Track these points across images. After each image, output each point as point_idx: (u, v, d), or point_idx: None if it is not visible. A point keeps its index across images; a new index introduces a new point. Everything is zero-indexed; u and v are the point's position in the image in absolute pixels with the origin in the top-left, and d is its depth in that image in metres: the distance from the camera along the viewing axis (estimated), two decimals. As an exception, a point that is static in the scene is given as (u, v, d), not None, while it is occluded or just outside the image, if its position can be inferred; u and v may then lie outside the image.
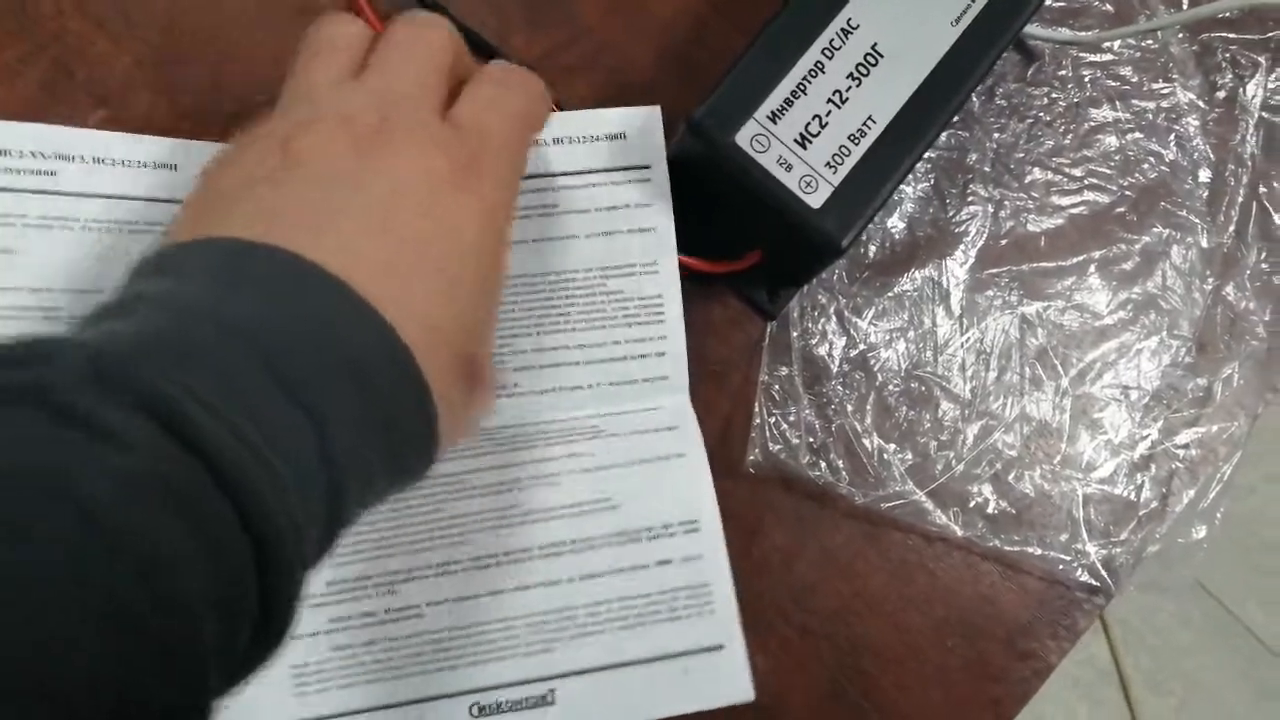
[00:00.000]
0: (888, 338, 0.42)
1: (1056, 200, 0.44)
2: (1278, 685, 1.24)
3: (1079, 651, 1.20)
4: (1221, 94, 0.45)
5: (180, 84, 0.39)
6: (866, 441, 0.41)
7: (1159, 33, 0.45)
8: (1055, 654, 0.41)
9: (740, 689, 0.36)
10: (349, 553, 0.35)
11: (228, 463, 0.21)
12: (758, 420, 0.40)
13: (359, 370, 0.24)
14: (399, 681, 0.34)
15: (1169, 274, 0.44)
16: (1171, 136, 0.45)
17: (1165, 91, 0.45)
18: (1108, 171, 0.44)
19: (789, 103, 0.36)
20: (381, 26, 0.37)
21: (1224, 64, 0.46)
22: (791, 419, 0.40)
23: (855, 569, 0.40)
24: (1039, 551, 0.41)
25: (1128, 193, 0.44)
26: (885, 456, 0.41)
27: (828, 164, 0.36)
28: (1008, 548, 0.41)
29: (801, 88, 0.36)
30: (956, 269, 0.43)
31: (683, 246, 0.39)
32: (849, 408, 0.41)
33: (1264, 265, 0.44)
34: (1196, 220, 0.44)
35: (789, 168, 0.35)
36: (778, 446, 0.40)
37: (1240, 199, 0.45)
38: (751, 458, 0.40)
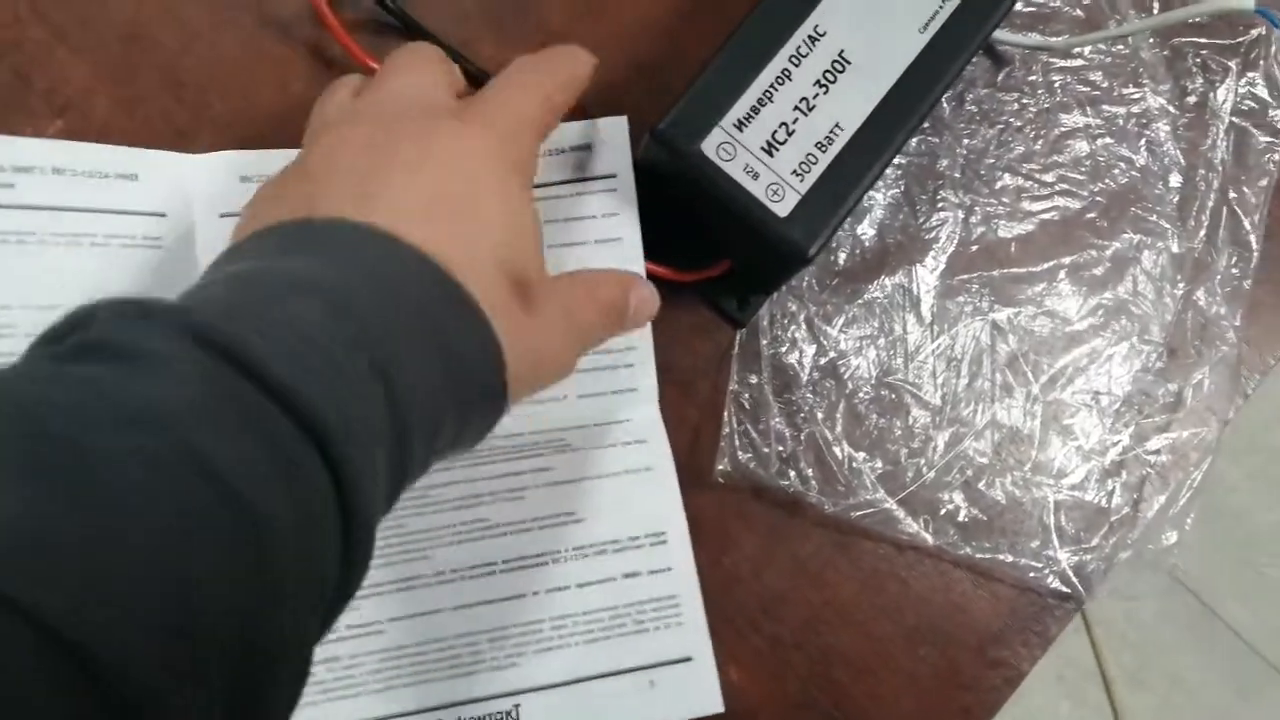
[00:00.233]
0: (858, 345, 0.41)
1: (1027, 206, 0.44)
2: (1259, 682, 1.25)
3: (1062, 650, 1.20)
4: (1192, 99, 0.45)
5: (140, 93, 0.39)
6: (837, 450, 0.40)
7: (1129, 38, 0.45)
8: (1027, 661, 0.41)
9: (709, 700, 0.36)
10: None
11: (299, 395, 0.21)
12: (727, 429, 0.40)
13: (416, 306, 0.25)
14: (359, 699, 0.34)
15: (1140, 279, 0.44)
16: (1142, 142, 0.45)
17: (1136, 97, 0.45)
18: (1078, 177, 0.44)
19: (755, 110, 0.35)
20: (347, 38, 0.37)
21: (1194, 69, 0.46)
22: (761, 428, 0.40)
23: (826, 578, 0.40)
24: (1010, 559, 0.41)
25: (1098, 198, 0.44)
26: (855, 465, 0.40)
27: (794, 172, 0.35)
28: (979, 555, 0.41)
29: (768, 95, 0.36)
30: (927, 275, 0.42)
31: (651, 254, 0.38)
32: (819, 416, 0.41)
33: (1234, 270, 0.44)
34: (1167, 225, 0.44)
35: (755, 176, 0.35)
36: (747, 456, 0.39)
37: (1211, 204, 0.44)
38: (721, 467, 0.39)
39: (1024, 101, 0.44)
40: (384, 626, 0.34)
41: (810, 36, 0.36)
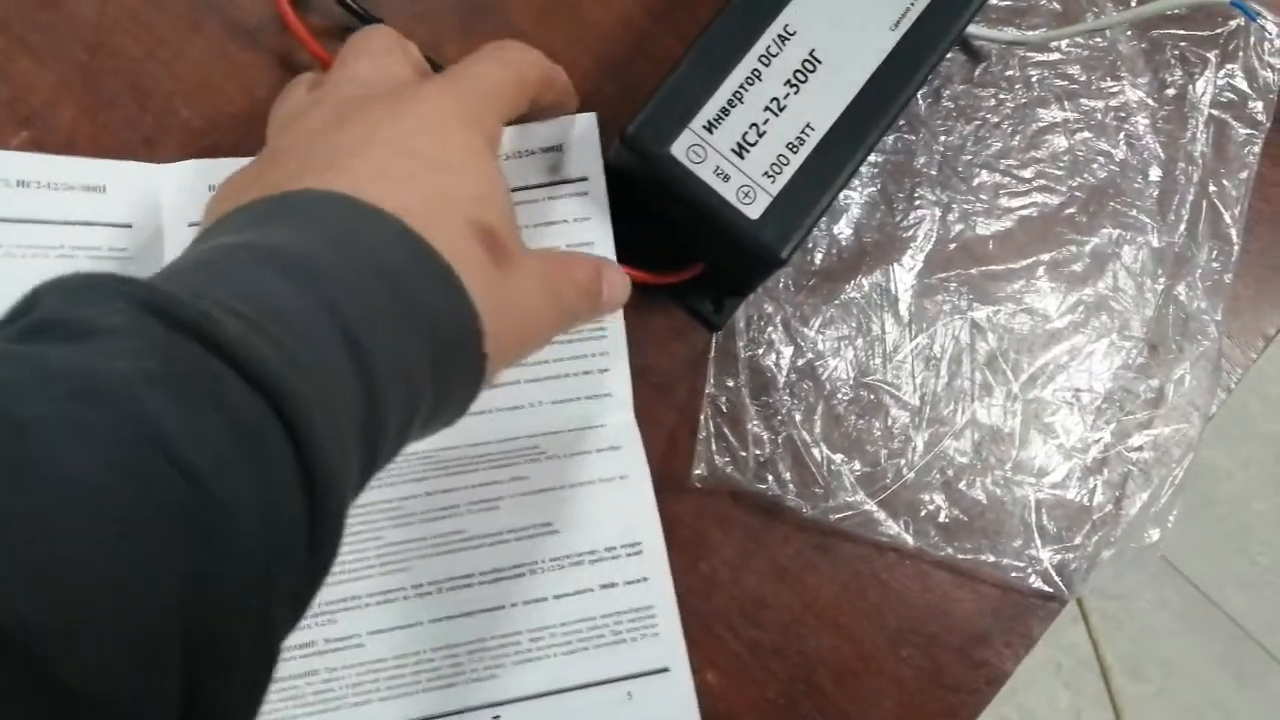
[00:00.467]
0: (836, 346, 0.41)
1: (1005, 202, 0.43)
2: (1256, 669, 1.25)
3: (1059, 639, 1.20)
4: (1171, 91, 0.45)
5: (106, 102, 0.38)
6: (815, 452, 0.40)
7: (1107, 31, 0.45)
8: (1010, 661, 0.41)
9: (686, 711, 0.35)
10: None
11: (257, 364, 0.20)
12: (703, 433, 0.39)
13: (383, 268, 0.25)
14: (339, 713, 0.34)
15: (1120, 275, 0.43)
16: (1121, 135, 0.44)
17: (1114, 90, 0.45)
18: (1057, 172, 0.44)
19: (725, 112, 0.35)
20: (314, 44, 0.37)
21: (1173, 61, 0.45)
22: (739, 431, 0.40)
23: (806, 582, 0.40)
24: (992, 559, 0.41)
25: (1077, 193, 0.44)
26: (834, 467, 0.40)
27: (766, 174, 0.35)
28: (960, 556, 0.41)
29: (738, 96, 0.35)
30: (905, 274, 0.42)
31: (624, 257, 0.38)
32: (797, 418, 0.40)
33: (1215, 264, 0.44)
34: (1147, 220, 0.44)
35: (726, 178, 0.35)
36: (724, 460, 0.39)
37: (1191, 197, 0.44)
38: (698, 472, 0.39)
39: (1001, 97, 0.44)
40: (363, 640, 0.34)
41: (780, 36, 0.36)
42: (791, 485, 0.40)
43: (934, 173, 0.43)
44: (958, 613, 0.41)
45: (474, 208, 0.28)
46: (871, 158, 0.42)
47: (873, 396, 0.41)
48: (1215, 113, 0.45)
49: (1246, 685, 1.24)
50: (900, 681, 0.40)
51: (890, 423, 0.41)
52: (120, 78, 0.38)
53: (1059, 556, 0.41)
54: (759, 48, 0.36)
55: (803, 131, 0.35)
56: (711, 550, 0.39)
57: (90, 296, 0.21)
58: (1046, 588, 0.41)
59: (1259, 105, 0.45)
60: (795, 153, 0.35)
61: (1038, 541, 0.41)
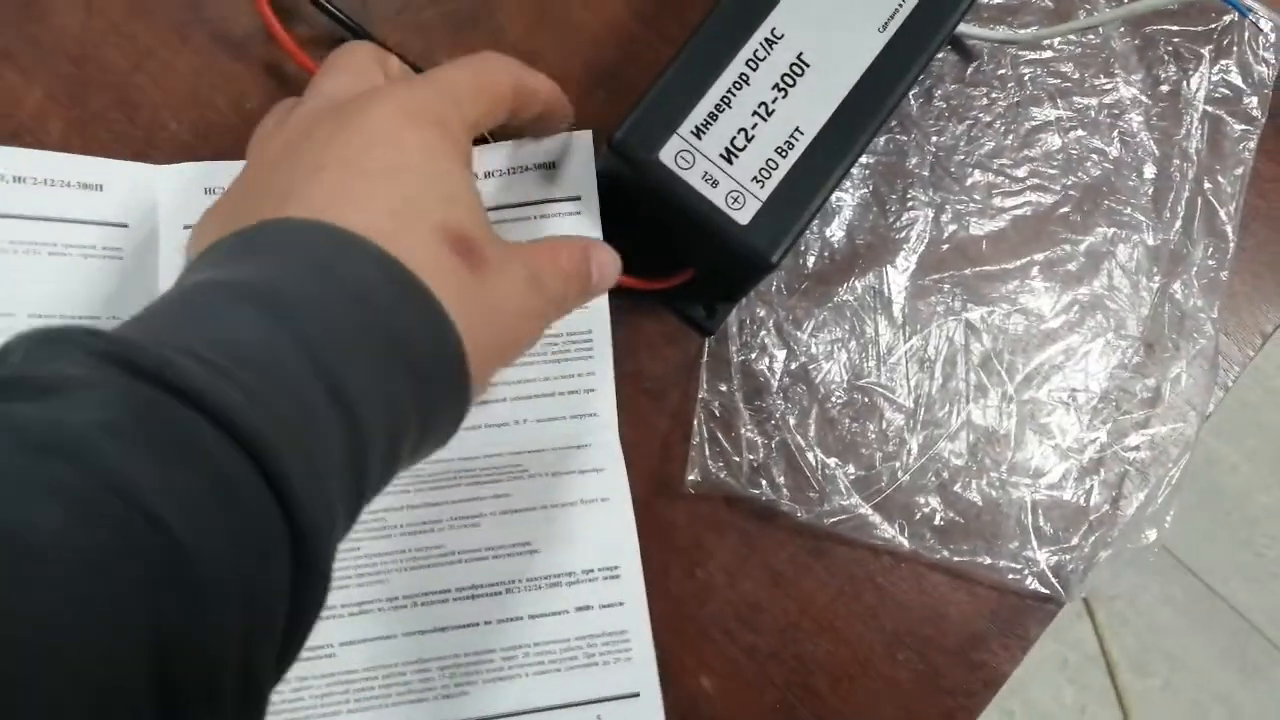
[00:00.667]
0: (829, 349, 0.41)
1: (999, 202, 0.43)
2: (1261, 661, 1.25)
3: (1065, 635, 1.20)
4: (1165, 88, 0.45)
5: (94, 115, 0.38)
6: (809, 456, 0.40)
7: (1100, 28, 0.44)
8: (1008, 663, 0.41)
9: None
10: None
11: (228, 411, 0.20)
12: (696, 439, 0.39)
13: (353, 294, 0.24)
14: None
15: (1115, 273, 0.43)
16: (1115, 133, 0.44)
17: (1108, 87, 0.44)
18: (1050, 171, 0.44)
19: (713, 117, 0.35)
20: (301, 54, 0.37)
21: (1167, 57, 0.45)
22: (732, 436, 0.40)
23: (802, 586, 0.40)
24: (988, 561, 0.41)
25: (1071, 192, 0.44)
26: (829, 471, 0.40)
27: (754, 178, 0.35)
28: (956, 558, 0.40)
29: (726, 101, 0.35)
30: (898, 276, 0.42)
31: (616, 264, 0.38)
32: (791, 422, 0.40)
33: (1211, 261, 0.43)
34: (1142, 218, 0.44)
35: (715, 184, 0.35)
36: (718, 465, 0.39)
37: (1186, 194, 0.44)
38: (691, 477, 0.39)
39: (993, 96, 0.44)
40: (335, 650, 0.34)
41: (767, 40, 0.35)
42: (786, 490, 0.39)
43: (926, 173, 0.43)
44: (954, 615, 0.41)
45: (441, 212, 0.27)
46: (863, 159, 0.42)
47: (867, 399, 0.41)
48: (1210, 109, 0.45)
49: (1251, 678, 1.24)
50: (897, 685, 0.40)
51: (885, 425, 0.41)
52: (108, 91, 0.38)
53: (1056, 558, 0.41)
54: (746, 52, 0.35)
55: (792, 135, 0.35)
56: (707, 555, 0.39)
57: (52, 352, 0.21)
58: (1043, 589, 0.41)
59: (1253, 101, 0.44)
60: (784, 157, 0.35)
61: (1034, 543, 0.41)
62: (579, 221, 0.37)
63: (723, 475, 0.39)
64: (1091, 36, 0.45)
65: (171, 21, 0.39)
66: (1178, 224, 0.44)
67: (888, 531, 0.40)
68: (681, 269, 0.38)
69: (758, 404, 0.40)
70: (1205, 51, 0.45)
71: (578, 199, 0.37)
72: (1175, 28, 0.45)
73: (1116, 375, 0.43)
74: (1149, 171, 0.44)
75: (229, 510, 0.20)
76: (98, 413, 0.19)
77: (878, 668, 0.40)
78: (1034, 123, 0.44)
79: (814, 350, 0.41)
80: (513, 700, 0.35)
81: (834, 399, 0.41)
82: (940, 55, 0.43)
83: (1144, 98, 0.45)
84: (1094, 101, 0.44)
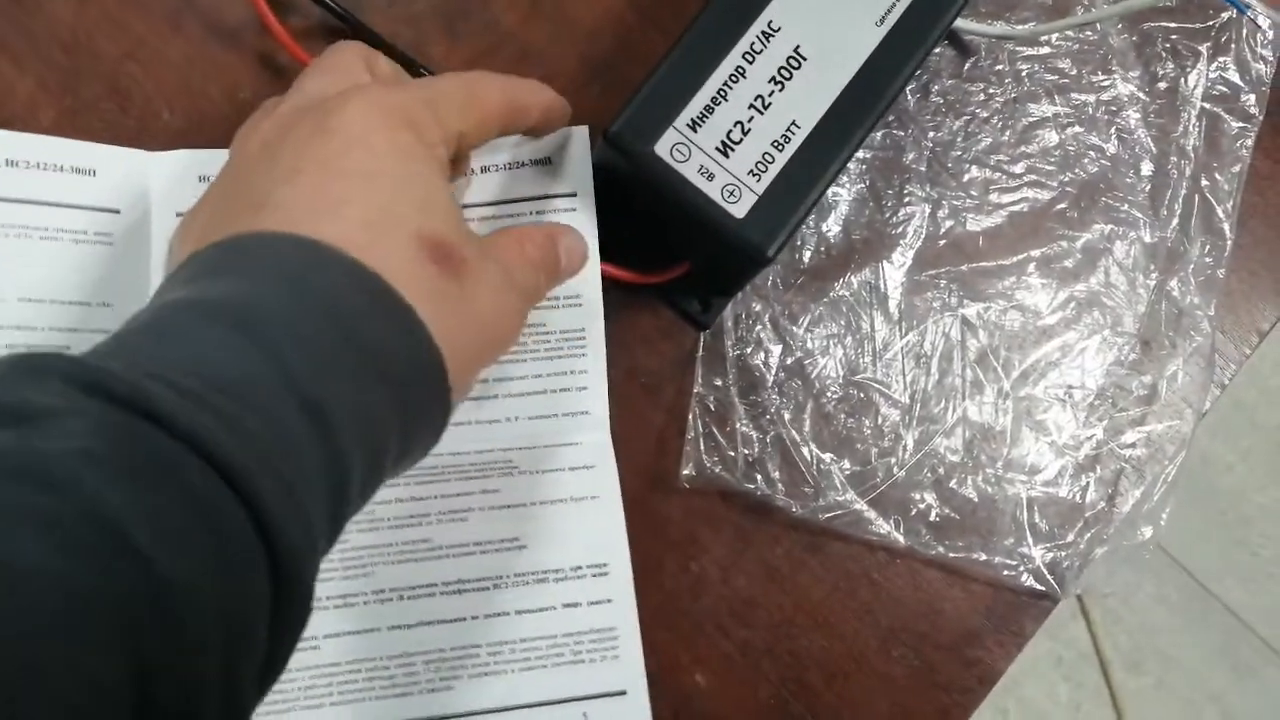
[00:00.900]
0: (825, 344, 0.41)
1: (996, 198, 0.43)
2: (1254, 661, 1.25)
3: (1059, 633, 1.20)
4: (1163, 85, 0.45)
5: (86, 105, 0.38)
6: (805, 451, 0.40)
7: (1098, 24, 0.44)
8: (1002, 660, 0.41)
9: None
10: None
11: (189, 427, 0.20)
12: (691, 433, 0.39)
13: (331, 308, 0.24)
14: (289, 715, 0.33)
15: (1112, 270, 0.43)
16: (1112, 130, 0.44)
17: (1105, 84, 0.44)
18: (1048, 167, 0.43)
19: (709, 110, 0.35)
20: (294, 45, 0.37)
21: (1164, 54, 0.45)
22: (727, 430, 0.39)
23: (797, 581, 0.40)
24: (984, 557, 0.40)
25: (1068, 188, 0.43)
26: (824, 466, 0.40)
27: (751, 172, 0.35)
28: (952, 554, 0.40)
29: (722, 94, 0.35)
30: (894, 271, 0.42)
31: (611, 256, 0.38)
32: (786, 416, 0.40)
33: (1208, 259, 0.43)
34: (1139, 215, 0.44)
35: (711, 177, 0.34)
36: (713, 459, 0.39)
37: (1183, 192, 0.44)
38: (686, 472, 0.39)
39: (991, 91, 0.44)
40: (319, 642, 0.34)
41: (764, 33, 0.35)
42: (781, 485, 0.39)
43: (923, 169, 0.43)
44: (949, 612, 0.41)
45: (417, 219, 0.27)
46: (860, 154, 0.42)
47: (862, 395, 0.41)
48: (1207, 106, 0.44)
49: (1244, 678, 1.24)
50: (892, 681, 0.40)
51: (880, 421, 0.41)
52: (100, 80, 0.38)
53: (1051, 554, 0.41)
54: (743, 45, 0.35)
55: (788, 129, 0.35)
56: (701, 550, 0.39)
57: (28, 380, 0.21)
58: (1039, 586, 0.40)
59: (1251, 98, 0.44)
60: (780, 150, 0.35)
61: (1029, 539, 0.41)
62: (575, 218, 0.37)
63: (717, 470, 0.39)
64: (1089, 33, 0.45)
65: (164, 10, 0.39)
66: (1175, 221, 0.44)
67: (883, 527, 0.40)
68: (677, 263, 0.38)
69: (753, 399, 0.40)
70: (1203, 48, 0.45)
71: (573, 195, 0.37)
72: (1173, 24, 0.45)
73: (1113, 372, 0.43)
74: (1146, 168, 0.44)
75: (207, 535, 0.20)
76: (74, 441, 0.19)
77: (872, 664, 0.40)
78: (1031, 119, 0.44)
79: (810, 345, 0.41)
80: (498, 696, 0.34)
81: (829, 394, 0.40)
82: (937, 50, 0.43)
83: (1141, 94, 0.44)
84: (1091, 98, 0.44)
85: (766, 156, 0.35)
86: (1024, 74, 0.44)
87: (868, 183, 0.42)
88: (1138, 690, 1.23)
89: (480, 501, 0.36)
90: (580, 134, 0.37)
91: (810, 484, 0.40)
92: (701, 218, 0.34)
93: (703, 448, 0.39)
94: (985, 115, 0.43)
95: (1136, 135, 0.44)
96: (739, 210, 0.34)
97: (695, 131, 0.34)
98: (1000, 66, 0.44)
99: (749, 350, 0.40)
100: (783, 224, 0.35)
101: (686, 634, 0.39)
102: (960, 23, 0.41)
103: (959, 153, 0.43)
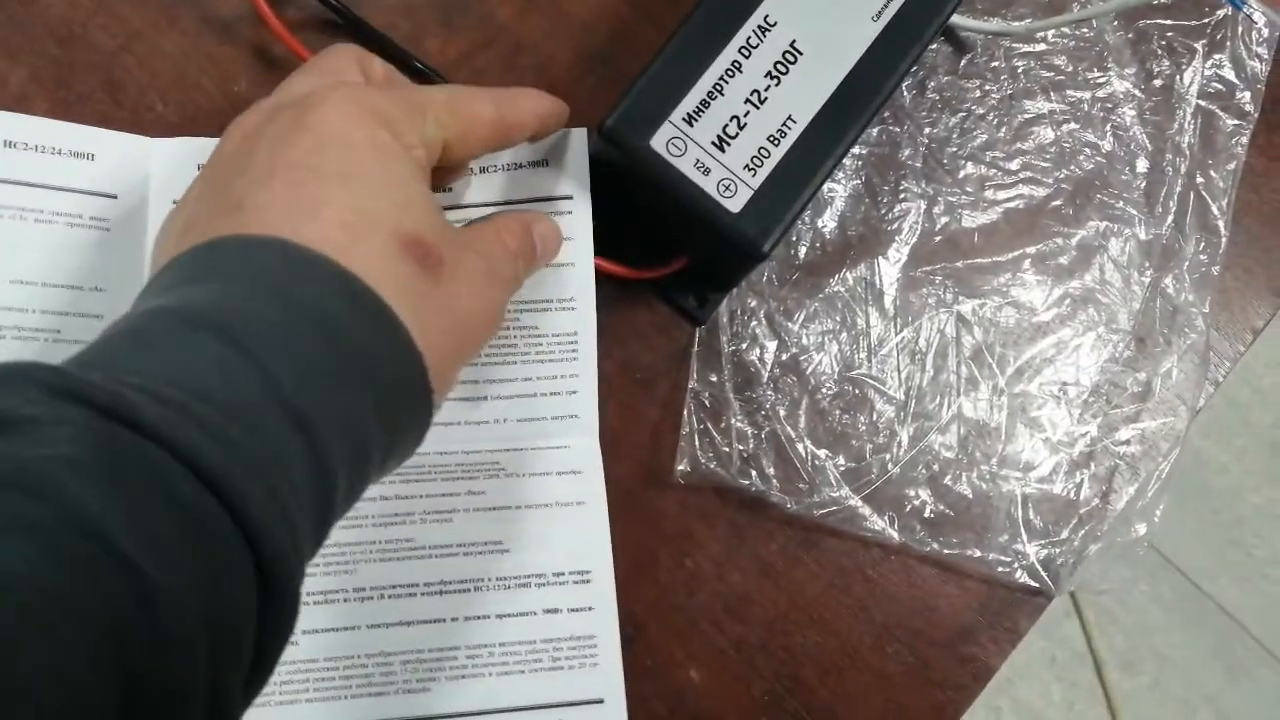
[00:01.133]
0: (820, 340, 0.41)
1: (991, 195, 0.43)
2: (1248, 661, 1.25)
3: (1053, 633, 1.20)
4: (1158, 82, 0.45)
5: (80, 97, 0.38)
6: (799, 447, 0.40)
7: (1093, 21, 0.44)
8: (997, 656, 0.41)
9: None
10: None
11: (172, 437, 0.20)
12: (686, 429, 0.39)
13: (313, 313, 0.24)
14: (265, 709, 0.33)
15: (1107, 267, 0.43)
16: (1108, 127, 0.44)
17: (1101, 81, 0.44)
18: (1043, 164, 0.43)
19: (705, 104, 0.35)
20: (290, 37, 0.36)
21: (1160, 51, 0.45)
22: (722, 426, 0.39)
23: (791, 578, 0.40)
24: (978, 554, 0.40)
25: (1064, 185, 0.43)
26: (818, 462, 0.40)
27: (747, 166, 0.35)
28: (946, 551, 0.40)
29: (718, 88, 0.35)
30: (889, 268, 0.42)
31: (607, 251, 0.38)
32: (781, 413, 0.40)
33: (1202, 256, 0.43)
34: (1134, 212, 0.44)
35: (707, 171, 0.34)
36: (707, 455, 0.39)
37: (1178, 189, 0.44)
38: (681, 467, 0.39)
39: (986, 88, 0.44)
40: (297, 638, 0.34)
41: (760, 27, 0.35)
42: (775, 481, 0.39)
43: (919, 165, 0.42)
44: (944, 608, 0.40)
45: (396, 217, 0.27)
46: (856, 150, 0.42)
47: (857, 391, 0.41)
48: (1203, 103, 0.44)
49: (1239, 678, 1.24)
50: (887, 677, 0.40)
51: (875, 417, 0.41)
52: (94, 72, 0.38)
53: (1045, 551, 0.41)
54: (739, 39, 0.35)
55: (784, 124, 0.35)
56: (696, 546, 0.39)
57: (8, 388, 0.20)
58: (1033, 582, 0.40)
59: (1246, 96, 0.44)
60: (776, 145, 0.35)
61: (1024, 536, 0.41)
62: (569, 221, 0.37)
63: (712, 465, 0.39)
64: (1085, 30, 0.45)
65: (159, 2, 0.39)
66: (1170, 218, 0.44)
67: (877, 523, 0.40)
68: (673, 258, 0.38)
69: (748, 394, 0.40)
70: (1198, 46, 0.45)
71: (569, 198, 0.37)
72: (1168, 22, 0.45)
73: (1107, 369, 0.43)
74: (1141, 166, 0.44)
75: (192, 542, 0.20)
76: (57, 448, 0.19)
77: (867, 660, 0.40)
78: (1027, 116, 0.44)
79: (805, 341, 0.41)
80: (475, 699, 0.34)
81: (824, 390, 0.40)
82: (933, 47, 0.43)
83: (1137, 92, 0.44)
84: (1087, 95, 0.44)
85: (762, 151, 0.35)
86: (1020, 70, 0.44)
87: (863, 178, 0.42)
88: (1132, 690, 1.23)
89: (465, 503, 0.36)
90: (578, 135, 0.37)
91: (805, 480, 0.40)
92: (697, 212, 0.34)
93: (698, 443, 0.39)
94: (981, 112, 0.43)
95: (1132, 132, 0.44)
96: (734, 205, 0.34)
97: (691, 126, 0.34)
98: (996, 63, 0.44)
99: (744, 346, 0.40)
100: (778, 219, 0.34)
101: (681, 630, 0.39)
102: (956, 19, 0.41)
103: (955, 149, 0.43)
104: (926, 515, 0.40)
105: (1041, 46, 0.44)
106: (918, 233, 0.42)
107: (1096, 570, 0.41)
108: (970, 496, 0.41)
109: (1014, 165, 0.43)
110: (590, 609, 0.36)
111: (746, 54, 0.35)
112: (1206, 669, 1.25)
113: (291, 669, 0.34)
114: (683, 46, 0.35)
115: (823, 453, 0.40)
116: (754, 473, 0.39)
